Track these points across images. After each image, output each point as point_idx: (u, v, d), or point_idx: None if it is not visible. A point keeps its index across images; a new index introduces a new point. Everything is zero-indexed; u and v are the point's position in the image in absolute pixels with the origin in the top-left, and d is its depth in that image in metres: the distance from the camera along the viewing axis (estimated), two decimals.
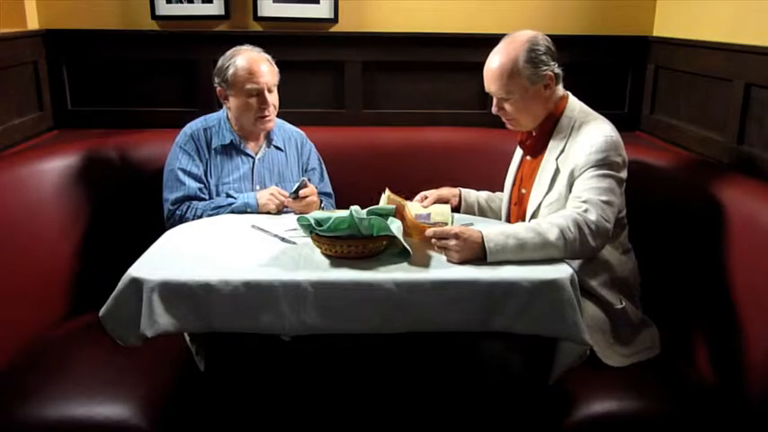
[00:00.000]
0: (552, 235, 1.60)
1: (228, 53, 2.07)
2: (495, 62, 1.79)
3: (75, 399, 1.60)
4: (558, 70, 1.80)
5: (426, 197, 2.00)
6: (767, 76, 1.94)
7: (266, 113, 2.06)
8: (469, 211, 2.05)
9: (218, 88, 2.08)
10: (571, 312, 1.50)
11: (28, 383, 1.65)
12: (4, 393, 1.63)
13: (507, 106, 1.81)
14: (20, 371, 1.72)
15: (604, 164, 1.70)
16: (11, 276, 1.82)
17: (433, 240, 1.63)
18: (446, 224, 1.76)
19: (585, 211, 1.64)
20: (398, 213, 1.71)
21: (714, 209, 1.79)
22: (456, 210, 2.03)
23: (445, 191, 2.04)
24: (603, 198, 1.67)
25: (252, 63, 2.03)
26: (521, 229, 1.62)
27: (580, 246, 1.62)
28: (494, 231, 1.60)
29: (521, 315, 1.51)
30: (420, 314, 1.50)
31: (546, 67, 1.77)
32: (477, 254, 1.58)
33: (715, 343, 1.78)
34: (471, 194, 2.08)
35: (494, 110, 1.85)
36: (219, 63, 2.07)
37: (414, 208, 1.89)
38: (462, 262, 1.58)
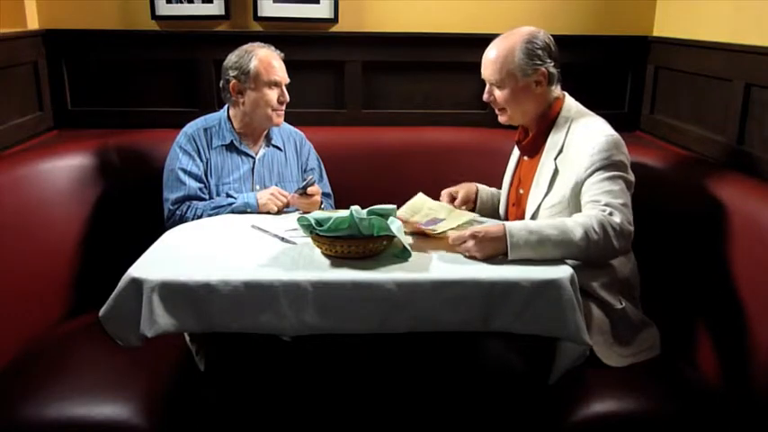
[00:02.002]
0: (577, 234, 1.59)
1: (242, 50, 2.08)
2: (492, 48, 1.82)
3: (75, 399, 1.60)
4: (553, 70, 1.79)
5: (453, 197, 1.97)
6: (767, 76, 1.94)
7: (282, 108, 2.09)
8: (485, 206, 2.04)
9: (233, 82, 2.07)
10: (571, 312, 1.51)
11: (28, 383, 1.65)
12: (4, 393, 1.63)
13: (497, 93, 1.82)
14: (20, 371, 1.72)
15: (610, 164, 1.70)
16: (11, 276, 1.82)
17: (455, 246, 1.63)
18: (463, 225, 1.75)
19: (610, 214, 1.64)
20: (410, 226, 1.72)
21: (714, 209, 1.79)
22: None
23: (465, 188, 2.01)
24: (621, 201, 1.67)
25: (273, 57, 2.08)
26: (544, 225, 1.62)
27: (603, 247, 1.61)
28: (516, 226, 1.61)
29: (521, 315, 1.51)
30: (420, 314, 1.50)
31: (540, 63, 1.77)
32: (499, 249, 1.59)
33: (715, 343, 1.78)
34: (486, 191, 2.08)
35: (485, 96, 1.86)
36: (235, 58, 2.07)
37: (439, 209, 1.87)
38: (487, 258, 1.59)
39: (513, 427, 1.66)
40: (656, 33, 2.66)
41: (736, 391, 1.66)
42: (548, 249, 1.59)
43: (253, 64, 2.04)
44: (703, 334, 1.82)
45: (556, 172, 1.79)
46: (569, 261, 1.62)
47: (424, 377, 1.89)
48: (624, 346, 1.76)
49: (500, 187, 2.11)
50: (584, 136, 1.75)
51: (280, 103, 2.08)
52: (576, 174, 1.73)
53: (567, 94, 1.87)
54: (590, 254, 1.62)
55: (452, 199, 1.97)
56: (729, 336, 1.70)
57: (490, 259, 1.60)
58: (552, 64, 1.79)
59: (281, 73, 2.08)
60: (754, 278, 1.65)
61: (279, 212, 2.00)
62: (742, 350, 1.65)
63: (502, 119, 1.88)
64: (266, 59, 2.06)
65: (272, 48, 2.11)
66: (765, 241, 1.63)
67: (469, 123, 2.68)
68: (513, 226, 1.60)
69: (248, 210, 1.99)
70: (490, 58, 1.81)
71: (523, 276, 1.51)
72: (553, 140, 1.82)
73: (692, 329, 1.86)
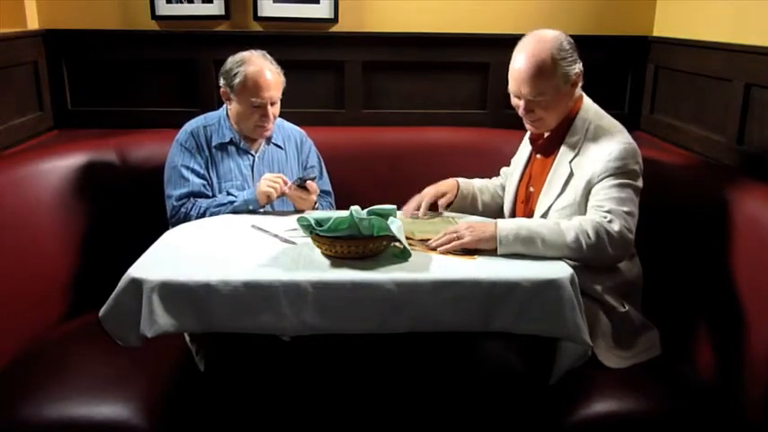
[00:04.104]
0: (569, 236, 1.61)
1: (239, 57, 2.04)
2: (526, 62, 1.71)
3: (75, 399, 1.60)
4: (582, 68, 1.77)
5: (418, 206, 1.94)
6: (767, 76, 1.94)
7: (266, 125, 2.06)
8: (464, 202, 2.02)
9: (222, 89, 2.08)
10: (571, 312, 1.50)
11: (28, 383, 1.65)
12: (4, 393, 1.63)
13: (538, 109, 1.75)
14: (20, 371, 1.72)
15: (623, 172, 1.69)
16: (11, 277, 1.82)
17: (445, 243, 1.65)
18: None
19: (610, 221, 1.64)
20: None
21: (714, 209, 1.79)
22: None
23: (432, 190, 1.97)
24: (625, 209, 1.66)
25: (260, 76, 2.00)
26: (537, 223, 1.65)
27: (597, 252, 1.62)
28: (508, 221, 1.65)
29: (521, 315, 1.51)
30: (420, 314, 1.50)
31: (575, 65, 1.75)
32: (488, 233, 1.62)
33: (716, 343, 1.78)
34: (469, 187, 2.05)
35: (521, 112, 1.78)
36: (228, 65, 2.05)
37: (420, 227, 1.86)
38: (477, 242, 1.62)
39: (513, 427, 1.66)
40: (656, 33, 2.66)
41: (735, 392, 1.66)
42: (538, 246, 1.60)
43: (238, 80, 2.00)
44: (703, 334, 1.82)
45: (570, 175, 1.78)
46: (570, 261, 1.63)
47: (423, 377, 1.89)
48: (625, 348, 1.76)
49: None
50: (602, 142, 1.74)
51: (262, 120, 2.04)
52: (589, 178, 1.73)
53: (584, 94, 1.85)
54: (585, 257, 1.63)
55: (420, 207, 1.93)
56: (729, 336, 1.70)
57: (482, 253, 1.62)
58: (580, 63, 1.77)
59: (266, 93, 2.00)
60: (755, 278, 1.65)
61: (279, 196, 1.98)
62: (742, 350, 1.65)
63: (535, 129, 1.83)
64: (253, 78, 2.00)
65: (269, 61, 2.05)
66: (765, 241, 1.63)
67: (469, 123, 2.68)
68: (504, 221, 1.65)
69: (249, 206, 1.99)
70: (528, 74, 1.71)
71: (523, 276, 1.51)
72: (570, 142, 1.80)
73: (691, 330, 1.85)
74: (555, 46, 1.72)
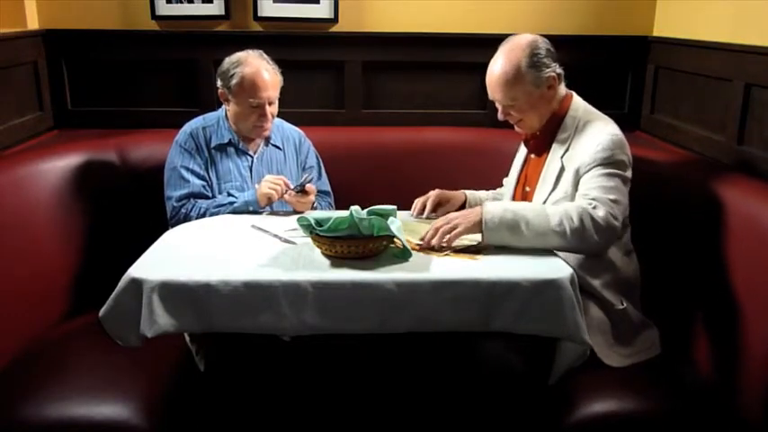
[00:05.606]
0: (553, 220, 1.61)
1: (235, 58, 2.04)
2: (497, 70, 1.78)
3: (75, 399, 1.60)
4: (559, 70, 1.80)
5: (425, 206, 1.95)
6: (767, 76, 1.94)
7: (264, 125, 2.06)
8: None
9: (220, 90, 2.08)
10: (571, 312, 1.50)
11: (28, 383, 1.65)
12: (4, 393, 1.63)
13: (514, 112, 1.82)
14: (20, 371, 1.72)
15: (610, 162, 1.71)
16: (11, 276, 1.82)
17: (439, 236, 1.64)
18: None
19: (594, 207, 1.65)
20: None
21: (714, 209, 1.79)
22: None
23: (438, 191, 1.98)
24: (611, 197, 1.67)
25: (257, 76, 2.00)
26: (522, 206, 1.66)
27: (582, 238, 1.62)
28: (494, 204, 1.66)
29: (521, 315, 1.51)
30: (420, 314, 1.50)
31: (548, 69, 1.77)
32: (476, 216, 1.64)
33: (715, 343, 1.78)
34: (476, 198, 2.08)
35: (500, 116, 1.85)
36: (225, 66, 2.05)
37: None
38: (470, 228, 1.63)
39: (513, 427, 1.66)
40: (656, 33, 2.66)
41: (735, 392, 1.66)
42: (523, 230, 1.61)
43: (235, 81, 2.00)
44: (703, 333, 1.82)
45: (562, 169, 1.80)
46: (569, 260, 1.63)
47: (423, 377, 1.89)
48: (624, 346, 1.76)
49: (497, 187, 2.11)
50: (591, 134, 1.76)
51: (260, 120, 2.04)
52: (578, 169, 1.74)
53: (574, 93, 1.87)
54: (570, 243, 1.63)
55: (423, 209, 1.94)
56: (729, 335, 1.70)
57: (485, 253, 1.61)
58: (557, 65, 1.80)
59: (264, 93, 2.01)
60: (754, 278, 1.65)
61: (280, 198, 1.98)
62: (742, 350, 1.65)
63: (521, 130, 1.88)
64: (250, 78, 2.00)
65: (266, 61, 2.05)
66: (765, 241, 1.63)
67: (469, 123, 2.68)
68: (490, 204, 1.66)
69: (249, 207, 1.99)
70: (498, 81, 1.78)
71: (523, 276, 1.51)
72: (561, 139, 1.82)
73: (691, 329, 1.86)
74: (525, 54, 1.76)
